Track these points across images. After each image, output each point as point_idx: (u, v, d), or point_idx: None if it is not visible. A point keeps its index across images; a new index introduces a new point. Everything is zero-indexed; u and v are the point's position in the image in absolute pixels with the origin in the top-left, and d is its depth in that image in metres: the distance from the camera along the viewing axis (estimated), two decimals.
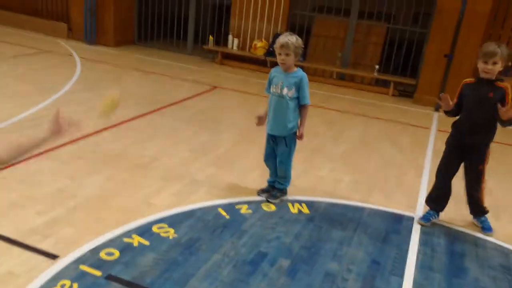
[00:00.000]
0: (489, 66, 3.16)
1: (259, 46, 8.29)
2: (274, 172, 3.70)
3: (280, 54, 3.36)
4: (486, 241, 3.40)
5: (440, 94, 3.39)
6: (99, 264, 2.62)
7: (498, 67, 3.18)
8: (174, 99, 6.08)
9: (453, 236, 3.43)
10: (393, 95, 7.75)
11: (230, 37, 8.60)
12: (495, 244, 3.37)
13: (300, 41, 3.37)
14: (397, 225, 3.51)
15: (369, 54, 8.17)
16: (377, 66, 7.83)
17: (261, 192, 3.72)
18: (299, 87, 3.38)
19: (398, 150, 5.19)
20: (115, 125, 4.80)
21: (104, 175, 3.74)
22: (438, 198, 3.55)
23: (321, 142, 5.14)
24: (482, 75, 3.25)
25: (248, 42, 8.57)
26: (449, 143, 3.48)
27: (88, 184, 3.55)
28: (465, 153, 3.39)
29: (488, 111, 3.22)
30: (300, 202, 3.66)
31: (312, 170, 4.33)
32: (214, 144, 4.73)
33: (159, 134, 4.82)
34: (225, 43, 8.76)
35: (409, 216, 3.63)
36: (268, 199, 3.63)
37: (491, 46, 3.18)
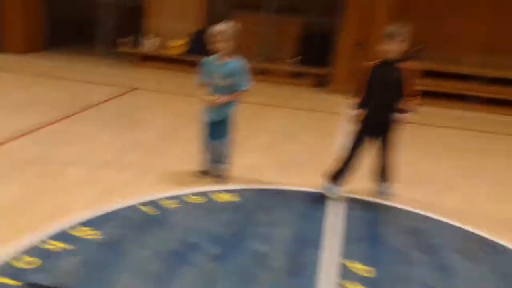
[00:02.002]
0: (396, 47, 3.34)
1: (178, 45, 8.23)
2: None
3: (216, 41, 3.45)
4: (402, 210, 3.65)
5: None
6: (15, 273, 2.46)
7: (400, 47, 3.35)
8: (91, 103, 5.86)
9: (370, 207, 3.64)
10: (311, 86, 8.03)
11: (146, 38, 8.45)
12: (406, 210, 3.63)
13: (236, 27, 3.50)
14: (318, 201, 3.62)
15: (286, 48, 8.39)
16: (293, 59, 8.06)
17: (203, 173, 3.90)
18: (236, 74, 3.52)
19: (315, 138, 5.39)
20: (31, 131, 4.55)
21: (19, 182, 3.52)
22: (345, 171, 3.68)
23: (243, 138, 5.19)
24: (385, 56, 3.44)
25: (166, 42, 8.46)
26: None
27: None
28: (378, 130, 3.59)
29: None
30: (228, 191, 3.69)
31: (238, 160, 4.37)
32: (136, 143, 4.63)
33: (78, 138, 4.62)
34: (142, 45, 8.59)
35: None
36: (218, 179, 3.83)
37: (393, 27, 3.39)
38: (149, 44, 8.45)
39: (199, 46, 8.08)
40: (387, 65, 3.43)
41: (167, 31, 8.47)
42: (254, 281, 2.61)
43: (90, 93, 6.45)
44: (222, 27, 3.46)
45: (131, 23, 8.86)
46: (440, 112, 7.11)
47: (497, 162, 5.06)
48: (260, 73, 8.33)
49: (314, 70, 8.08)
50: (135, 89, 6.90)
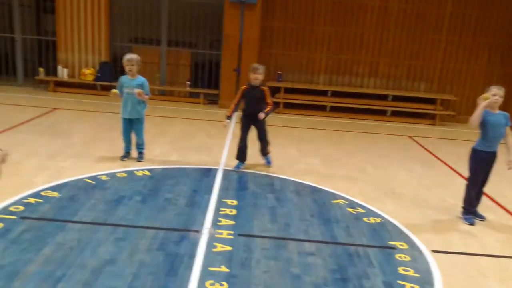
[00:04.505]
0: (259, 76, 5.44)
1: (88, 73, 9.66)
2: (129, 142, 5.67)
3: (127, 66, 5.28)
4: (260, 174, 5.58)
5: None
6: (11, 213, 3.90)
7: (261, 77, 5.48)
8: (23, 120, 7.14)
9: (240, 174, 5.52)
10: (204, 103, 9.94)
11: (59, 67, 9.76)
12: (266, 174, 5.58)
13: (139, 57, 5.43)
14: (208, 172, 5.45)
15: (181, 74, 10.26)
16: (188, 82, 9.94)
17: (123, 157, 5.58)
18: (143, 86, 5.39)
19: (209, 137, 7.24)
20: None
21: None
22: (243, 152, 5.71)
23: (152, 137, 6.85)
24: (254, 82, 5.50)
25: (77, 71, 9.85)
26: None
27: None
28: (254, 124, 5.64)
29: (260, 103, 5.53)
30: (143, 170, 5.34)
31: (149, 151, 6.01)
32: (69, 144, 6.08)
33: (23, 142, 5.96)
34: (55, 73, 9.88)
35: (216, 168, 5.62)
36: (139, 160, 5.61)
37: (256, 64, 5.56)
38: (61, 73, 9.76)
39: (104, 74, 9.63)
40: (253, 87, 5.54)
41: (77, 62, 9.87)
42: (164, 210, 4.30)
43: (19, 113, 7.67)
44: (130, 56, 5.39)
45: (46, 55, 10.13)
46: (297, 118, 9.41)
47: (328, 147, 7.30)
48: (161, 94, 10.06)
49: (205, 91, 10.01)
50: (56, 109, 8.24)
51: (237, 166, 5.73)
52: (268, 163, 5.90)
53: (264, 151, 5.86)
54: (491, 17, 9.89)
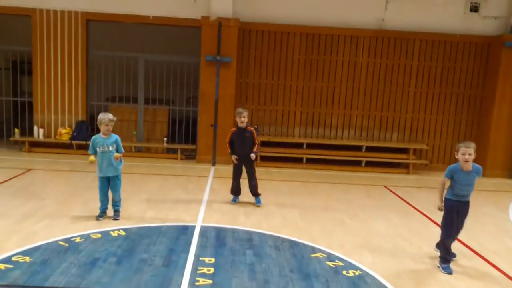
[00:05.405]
0: (244, 119, 6.30)
1: (64, 133, 9.63)
2: (107, 201, 5.63)
3: (107, 125, 5.43)
4: (238, 230, 5.55)
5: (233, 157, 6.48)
6: None
7: (246, 120, 6.37)
8: None
9: (218, 230, 5.48)
10: (181, 158, 9.95)
11: (35, 128, 9.73)
12: (244, 229, 5.55)
13: (114, 117, 5.59)
14: (185, 230, 5.38)
15: (158, 130, 10.34)
16: (165, 138, 10.00)
17: (99, 217, 5.53)
18: (117, 143, 5.52)
19: (186, 193, 7.21)
20: None
21: None
22: (237, 189, 6.63)
23: (128, 195, 6.79)
24: (240, 125, 6.37)
25: (53, 131, 9.82)
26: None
27: None
28: (244, 164, 6.49)
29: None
30: (118, 229, 5.25)
31: (125, 210, 5.93)
32: (43, 206, 5.96)
33: None
34: (31, 134, 9.82)
35: (193, 225, 5.57)
36: (114, 218, 5.58)
37: (240, 108, 6.35)
38: (37, 133, 9.72)
39: (81, 133, 9.63)
40: (240, 129, 6.38)
41: (53, 121, 9.87)
42: (140, 272, 4.21)
43: None
44: (105, 117, 5.50)
45: (22, 115, 10.10)
46: (275, 170, 9.48)
47: (305, 199, 7.34)
48: (138, 151, 10.06)
49: (182, 146, 10.07)
50: (31, 170, 8.13)
51: (233, 200, 6.58)
52: (258, 202, 6.53)
53: (255, 192, 6.55)
54: (454, 68, 10.41)
